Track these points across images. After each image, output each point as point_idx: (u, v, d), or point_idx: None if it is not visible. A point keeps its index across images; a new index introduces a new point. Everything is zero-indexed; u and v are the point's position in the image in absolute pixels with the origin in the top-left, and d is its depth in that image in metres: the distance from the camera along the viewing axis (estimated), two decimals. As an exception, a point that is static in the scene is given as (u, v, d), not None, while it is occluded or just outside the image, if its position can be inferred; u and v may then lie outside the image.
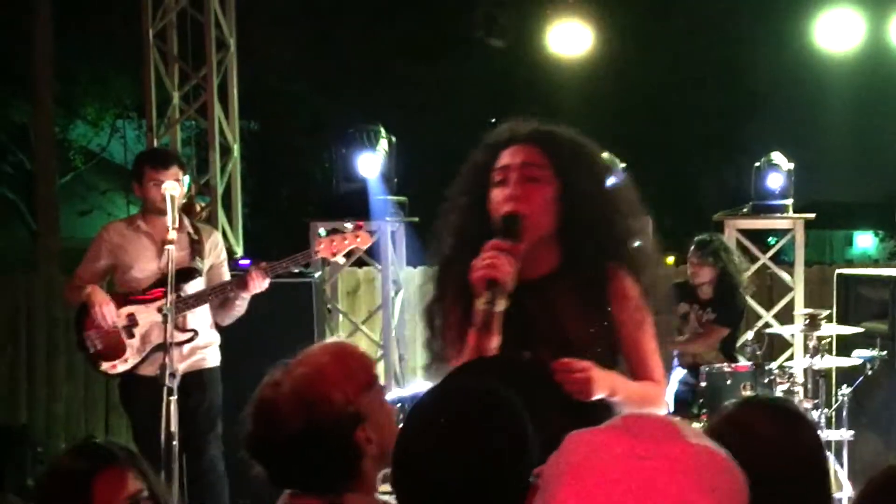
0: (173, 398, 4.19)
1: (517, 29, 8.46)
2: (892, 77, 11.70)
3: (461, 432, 1.62)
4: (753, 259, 7.27)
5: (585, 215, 2.53)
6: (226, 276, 5.01)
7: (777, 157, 7.07)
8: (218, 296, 4.84)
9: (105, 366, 4.83)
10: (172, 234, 4.37)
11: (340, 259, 4.96)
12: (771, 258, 7.54)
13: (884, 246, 25.37)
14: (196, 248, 4.90)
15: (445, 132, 13.07)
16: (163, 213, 4.52)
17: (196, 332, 4.82)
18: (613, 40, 10.67)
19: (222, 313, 4.96)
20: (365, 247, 5.12)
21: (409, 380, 6.73)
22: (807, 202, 7.49)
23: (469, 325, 2.40)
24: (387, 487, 1.80)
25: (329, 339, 2.40)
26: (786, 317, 7.05)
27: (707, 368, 5.81)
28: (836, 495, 5.20)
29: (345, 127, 6.77)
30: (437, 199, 2.70)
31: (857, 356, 5.79)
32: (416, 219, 6.73)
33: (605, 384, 2.33)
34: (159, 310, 4.48)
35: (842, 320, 6.32)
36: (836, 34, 7.32)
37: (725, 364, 6.00)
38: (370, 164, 6.51)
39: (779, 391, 5.63)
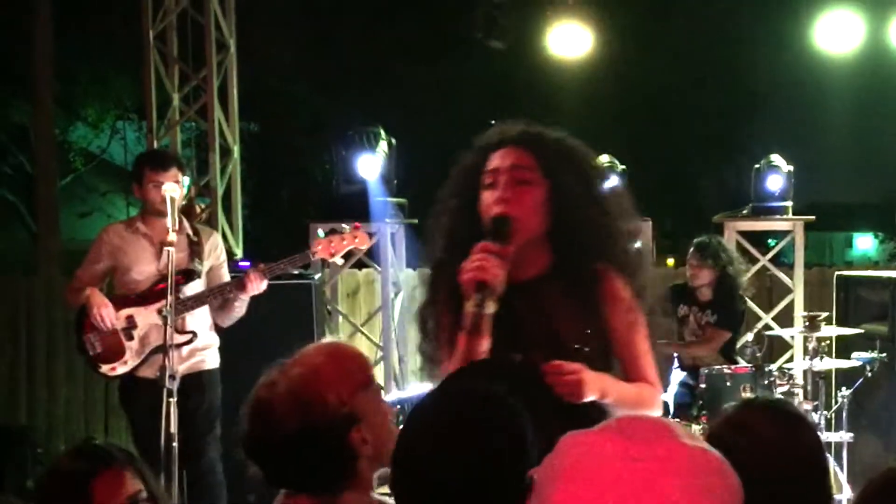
0: (173, 400, 4.18)
1: (517, 30, 8.46)
2: (892, 78, 11.70)
3: (461, 433, 1.63)
4: (753, 261, 7.28)
5: (575, 217, 2.53)
6: (226, 277, 5.00)
7: (777, 158, 7.08)
8: (217, 297, 4.83)
9: (105, 368, 4.82)
10: (172, 236, 4.36)
11: (339, 260, 4.95)
12: (771, 260, 7.54)
13: (884, 248, 25.33)
14: (195, 249, 4.89)
15: (445, 133, 13.04)
16: (162, 214, 4.50)
17: (195, 334, 4.82)
18: (613, 42, 10.68)
19: (222, 315, 4.96)
20: (364, 247, 5.12)
21: (408, 381, 6.73)
22: (806, 204, 7.50)
23: (460, 327, 2.40)
24: (385, 489, 1.80)
25: (325, 340, 2.39)
26: (785, 319, 7.06)
27: (707, 370, 5.81)
28: (836, 497, 5.20)
29: (345, 128, 6.78)
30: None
31: (857, 358, 5.80)
32: (416, 220, 6.73)
33: (596, 386, 2.33)
34: (158, 312, 4.49)
35: (841, 322, 6.32)
36: (836, 35, 7.33)
37: (725, 366, 6.00)
38: (370, 165, 6.51)
39: (778, 393, 5.62)
